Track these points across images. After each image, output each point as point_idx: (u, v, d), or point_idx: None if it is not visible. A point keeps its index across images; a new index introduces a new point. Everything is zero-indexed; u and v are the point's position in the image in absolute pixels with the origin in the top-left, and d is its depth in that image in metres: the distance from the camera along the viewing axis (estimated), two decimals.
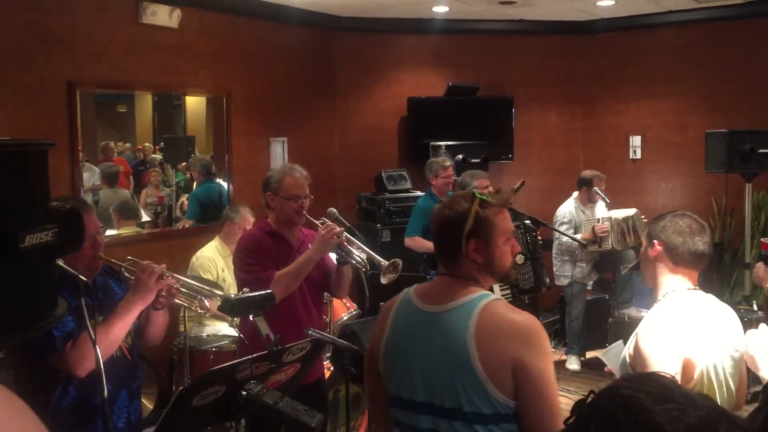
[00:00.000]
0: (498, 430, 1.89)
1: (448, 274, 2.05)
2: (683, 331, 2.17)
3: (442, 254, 2.08)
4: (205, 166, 6.11)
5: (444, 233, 2.05)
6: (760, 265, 3.60)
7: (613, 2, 6.68)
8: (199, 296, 2.84)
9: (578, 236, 6.02)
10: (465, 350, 1.88)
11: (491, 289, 2.08)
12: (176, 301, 2.72)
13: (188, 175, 6.20)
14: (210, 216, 5.95)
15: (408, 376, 2.00)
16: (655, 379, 1.08)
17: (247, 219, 5.01)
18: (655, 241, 2.34)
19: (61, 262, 2.13)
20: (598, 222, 6.05)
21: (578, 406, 1.09)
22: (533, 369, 1.85)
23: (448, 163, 5.86)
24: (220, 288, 3.12)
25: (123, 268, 2.68)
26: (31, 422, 0.57)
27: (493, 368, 1.86)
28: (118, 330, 2.49)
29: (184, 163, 6.21)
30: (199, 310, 2.82)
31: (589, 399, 1.08)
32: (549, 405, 1.87)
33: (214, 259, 4.95)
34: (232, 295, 2.51)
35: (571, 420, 1.09)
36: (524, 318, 1.94)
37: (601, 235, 5.94)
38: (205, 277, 4.79)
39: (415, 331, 2.02)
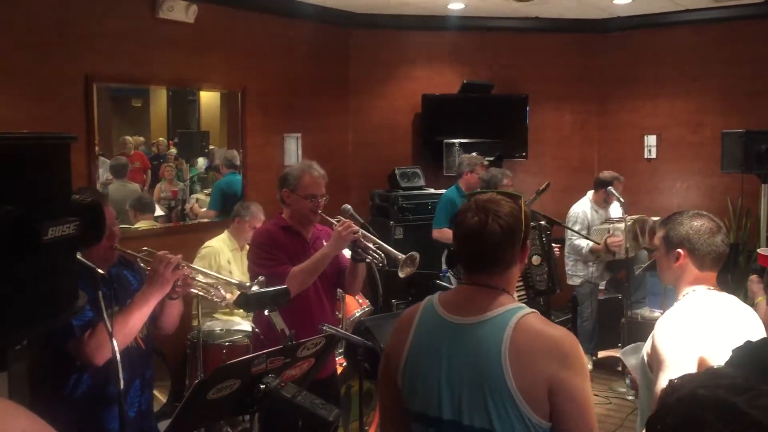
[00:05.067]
0: None
1: (482, 284, 1.88)
2: (699, 329, 2.17)
3: (486, 263, 1.88)
4: (229, 159, 6.16)
5: (505, 242, 1.84)
6: (754, 277, 3.54)
7: (630, 0, 6.64)
8: (214, 286, 2.86)
9: (592, 239, 5.99)
10: (498, 367, 1.75)
11: None
12: (193, 290, 2.75)
13: (203, 170, 6.23)
14: (230, 208, 5.97)
15: (434, 392, 1.84)
16: (719, 372, 1.06)
17: (257, 217, 5.04)
18: (680, 251, 2.31)
19: (77, 254, 2.14)
20: (609, 231, 5.99)
21: (651, 423, 1.05)
22: (571, 388, 1.73)
23: (485, 162, 5.95)
24: (236, 280, 3.13)
25: (138, 259, 2.71)
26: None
27: (527, 387, 1.73)
28: (136, 320, 2.51)
29: (202, 159, 6.25)
30: (215, 299, 2.84)
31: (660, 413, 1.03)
32: (587, 426, 1.75)
33: (219, 250, 4.98)
34: (250, 290, 2.52)
35: None
36: (562, 333, 1.81)
37: (613, 249, 5.91)
38: (204, 266, 4.81)
39: (441, 344, 1.85)
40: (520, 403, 1.73)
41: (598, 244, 5.93)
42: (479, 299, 1.87)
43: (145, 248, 2.73)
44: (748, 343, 1.57)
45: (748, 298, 3.60)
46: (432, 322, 1.91)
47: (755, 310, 3.41)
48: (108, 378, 2.41)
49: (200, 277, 2.84)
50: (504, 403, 1.74)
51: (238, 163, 6.15)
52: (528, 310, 1.84)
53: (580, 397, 1.75)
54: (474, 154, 6.47)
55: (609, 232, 5.99)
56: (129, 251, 2.71)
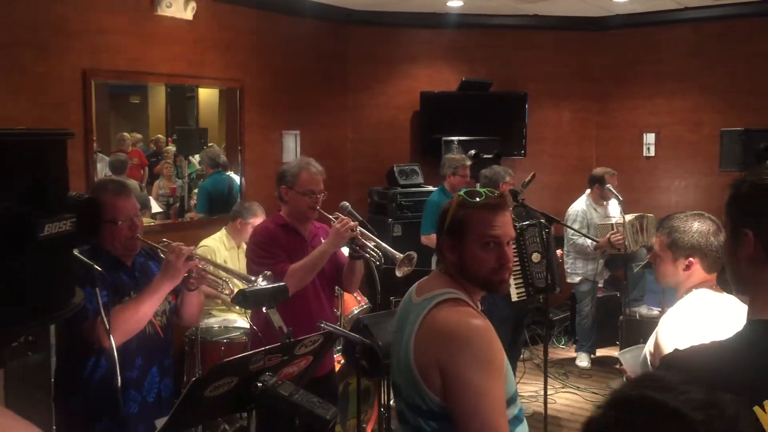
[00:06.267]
0: (435, 426, 1.89)
1: (440, 268, 2.08)
2: (704, 328, 2.16)
3: (436, 247, 2.12)
4: (212, 159, 6.09)
5: (437, 228, 2.08)
6: None
7: None
8: (224, 280, 2.90)
9: (592, 237, 5.98)
10: (408, 346, 1.94)
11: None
12: (206, 283, 2.82)
13: (201, 167, 6.21)
14: (219, 208, 5.95)
15: (394, 361, 2.10)
16: (652, 376, 1.07)
17: (260, 218, 5.02)
18: (692, 259, 2.29)
19: (77, 252, 2.16)
20: (612, 227, 5.99)
21: (589, 424, 1.03)
22: (455, 374, 1.81)
23: (468, 163, 5.87)
24: (234, 285, 3.16)
25: (159, 250, 2.76)
26: None
27: (423, 367, 1.88)
28: (147, 307, 2.57)
29: (197, 156, 6.22)
30: (225, 292, 2.87)
31: (599, 414, 1.02)
32: (470, 414, 1.79)
33: (215, 249, 4.95)
34: (255, 284, 2.55)
35: None
36: (462, 321, 1.88)
37: (617, 245, 5.89)
38: None
39: (402, 319, 2.07)
40: (418, 381, 1.89)
41: (598, 241, 5.93)
42: (431, 282, 2.05)
43: (164, 240, 2.78)
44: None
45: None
46: (406, 303, 2.11)
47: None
48: (123, 363, 2.48)
49: (211, 269, 2.89)
50: (408, 379, 1.93)
51: (221, 161, 6.11)
52: (450, 296, 1.95)
53: (465, 385, 1.80)
54: (471, 152, 6.45)
55: (612, 228, 5.99)
56: (150, 242, 2.77)
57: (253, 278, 2.87)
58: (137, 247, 2.69)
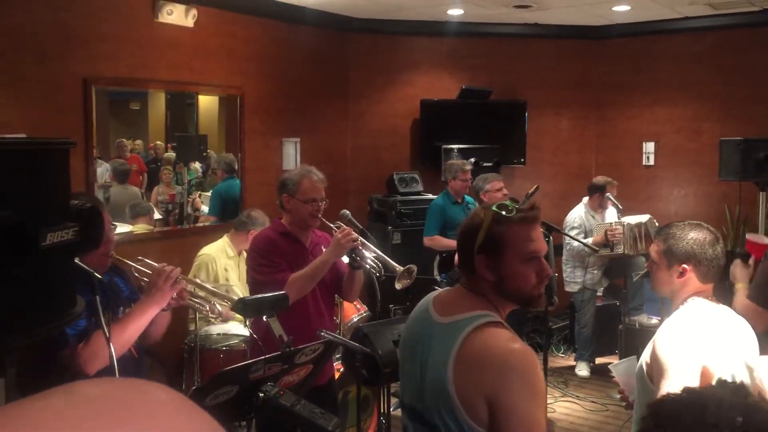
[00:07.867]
0: None
1: (465, 286, 1.94)
2: (702, 338, 2.16)
3: (460, 265, 1.98)
4: (228, 164, 6.13)
5: (460, 245, 1.95)
6: (738, 261, 3.47)
7: (629, 7, 6.65)
8: (211, 301, 2.85)
9: (589, 240, 6.01)
10: (444, 372, 1.79)
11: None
12: (188, 302, 2.74)
13: (200, 173, 6.22)
14: (230, 213, 5.96)
15: (407, 381, 1.97)
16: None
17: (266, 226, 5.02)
18: (686, 266, 2.28)
19: (75, 259, 2.14)
20: (611, 226, 6.04)
21: None
22: (506, 407, 1.71)
23: (468, 167, 5.96)
24: (235, 293, 3.12)
25: (133, 269, 2.69)
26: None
27: (467, 397, 1.76)
28: (132, 331, 2.50)
29: (197, 163, 6.23)
30: (210, 314, 2.81)
31: None
32: None
33: (215, 257, 4.94)
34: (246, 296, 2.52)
35: None
36: (511, 349, 1.77)
37: (613, 239, 5.92)
38: (200, 275, 4.79)
39: (421, 337, 1.94)
40: (458, 409, 1.76)
41: (596, 250, 5.93)
42: (456, 301, 1.92)
43: (140, 258, 2.70)
44: None
45: (728, 281, 3.51)
46: (421, 316, 1.99)
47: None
48: None
49: (198, 291, 2.83)
50: (446, 408, 1.78)
51: (236, 167, 6.14)
52: (490, 320, 1.83)
53: (516, 417, 1.71)
54: (471, 160, 6.46)
55: (611, 225, 6.03)
56: (125, 260, 2.69)
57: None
58: (108, 263, 2.60)
